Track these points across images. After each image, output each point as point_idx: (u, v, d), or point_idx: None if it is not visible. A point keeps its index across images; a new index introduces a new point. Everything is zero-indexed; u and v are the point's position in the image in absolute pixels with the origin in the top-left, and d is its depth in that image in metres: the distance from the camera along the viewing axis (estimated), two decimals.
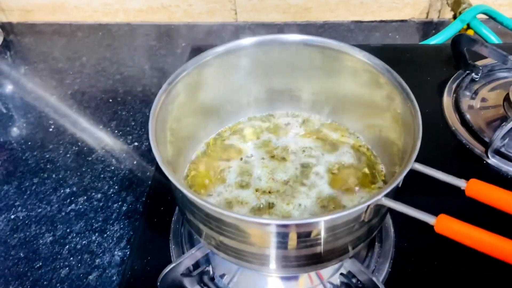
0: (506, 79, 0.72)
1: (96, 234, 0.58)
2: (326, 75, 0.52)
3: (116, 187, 0.64)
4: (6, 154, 0.69)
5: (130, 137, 0.71)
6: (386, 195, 0.37)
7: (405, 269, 0.51)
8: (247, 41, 0.50)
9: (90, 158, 0.68)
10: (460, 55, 0.72)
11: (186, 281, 0.48)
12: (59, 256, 0.56)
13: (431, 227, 0.37)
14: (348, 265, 0.48)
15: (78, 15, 0.95)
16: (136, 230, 0.57)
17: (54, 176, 0.66)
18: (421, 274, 0.50)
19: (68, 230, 0.59)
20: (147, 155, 0.68)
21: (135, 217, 0.60)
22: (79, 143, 0.71)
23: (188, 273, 0.48)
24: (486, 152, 0.61)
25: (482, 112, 0.68)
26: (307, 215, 0.47)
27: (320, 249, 0.40)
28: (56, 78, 0.83)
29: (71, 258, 0.56)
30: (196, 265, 0.50)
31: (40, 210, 0.62)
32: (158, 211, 0.57)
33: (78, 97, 0.79)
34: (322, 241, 0.39)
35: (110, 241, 0.58)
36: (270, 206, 0.48)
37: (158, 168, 0.62)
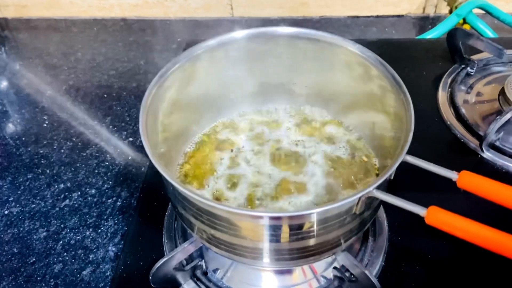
0: (501, 73, 0.72)
1: (90, 230, 0.58)
2: (320, 68, 0.52)
3: (111, 182, 0.64)
4: (0, 150, 0.69)
5: (125, 132, 0.71)
6: (378, 187, 0.37)
7: (399, 263, 0.51)
8: (240, 34, 0.49)
9: (84, 154, 0.68)
10: (455, 49, 0.72)
11: (179, 276, 0.48)
12: (52, 252, 0.56)
13: (424, 221, 0.37)
14: (341, 259, 0.48)
15: (73, 10, 0.95)
16: (129, 225, 0.57)
17: (48, 171, 0.66)
18: (415, 268, 0.50)
19: (62, 225, 0.59)
20: (142, 150, 0.68)
21: (129, 213, 0.60)
22: (74, 139, 0.70)
23: (180, 268, 0.48)
24: (480, 146, 0.60)
25: (477, 106, 0.67)
26: (301, 208, 0.46)
27: (312, 241, 0.40)
28: (51, 74, 0.83)
29: (65, 254, 0.56)
30: (189, 259, 0.50)
31: (34, 205, 0.61)
32: (152, 206, 0.57)
33: (73, 92, 0.79)
34: (314, 233, 0.39)
35: (104, 236, 0.57)
36: (262, 198, 0.48)
37: (152, 163, 0.63)
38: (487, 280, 0.50)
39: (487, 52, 0.70)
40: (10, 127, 0.73)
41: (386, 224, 0.54)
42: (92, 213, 0.60)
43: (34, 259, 0.55)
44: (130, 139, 0.70)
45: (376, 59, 0.46)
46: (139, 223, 0.56)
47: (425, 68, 0.75)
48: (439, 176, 0.40)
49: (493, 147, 0.61)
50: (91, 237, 0.57)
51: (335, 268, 0.49)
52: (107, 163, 0.67)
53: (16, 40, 0.92)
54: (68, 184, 0.64)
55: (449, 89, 0.70)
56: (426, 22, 0.93)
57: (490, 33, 0.83)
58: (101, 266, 0.54)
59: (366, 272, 0.44)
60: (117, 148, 0.69)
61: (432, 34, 0.83)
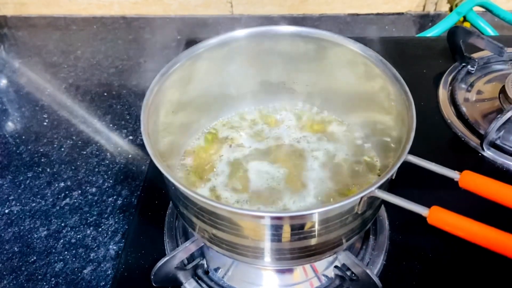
0: (501, 72, 0.72)
1: (91, 228, 0.58)
2: (320, 67, 0.52)
3: (111, 181, 0.64)
4: (0, 148, 0.69)
5: (125, 130, 0.71)
6: (380, 187, 0.37)
7: (400, 262, 0.51)
8: (241, 33, 0.49)
9: (84, 152, 0.68)
10: (456, 47, 0.72)
11: (180, 275, 0.48)
12: (53, 250, 0.56)
13: (425, 220, 0.37)
14: (342, 258, 0.48)
15: (72, 8, 0.94)
16: (130, 224, 0.57)
17: (48, 170, 0.66)
18: (416, 266, 0.50)
19: (62, 224, 0.59)
20: (142, 148, 0.68)
21: (130, 211, 0.60)
22: (74, 137, 0.70)
23: (182, 267, 0.48)
24: (481, 145, 0.61)
25: (477, 104, 0.67)
26: (302, 207, 0.46)
27: (314, 241, 0.40)
28: (51, 72, 0.82)
29: (66, 252, 0.56)
30: (191, 258, 0.50)
31: (34, 204, 0.61)
32: (153, 205, 0.57)
33: (72, 90, 0.79)
34: (316, 233, 0.39)
35: (105, 235, 0.57)
36: (262, 196, 0.48)
37: (152, 161, 0.63)
38: (487, 279, 0.50)
39: (488, 50, 0.70)
40: (10, 126, 0.73)
41: (387, 223, 0.54)
42: (93, 211, 0.60)
43: (34, 258, 0.55)
44: (130, 137, 0.70)
45: (377, 57, 0.46)
46: (140, 222, 0.56)
47: (426, 66, 0.74)
48: (439, 175, 0.40)
49: (493, 145, 0.61)
50: (91, 236, 0.57)
51: (336, 267, 0.49)
52: (107, 162, 0.66)
53: (15, 38, 0.91)
54: (69, 183, 0.64)
55: (450, 88, 0.70)
56: (426, 20, 0.93)
57: (490, 31, 0.83)
58: (102, 265, 0.54)
59: (367, 271, 0.44)
60: (117, 146, 0.69)
61: (432, 32, 0.83)
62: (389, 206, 0.54)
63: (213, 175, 0.50)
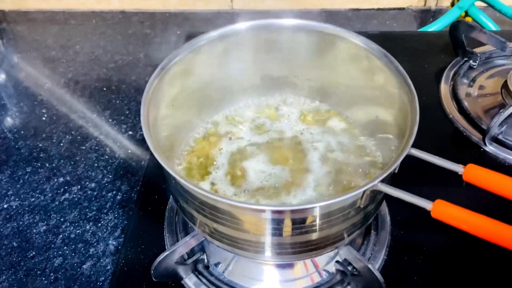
0: (504, 67, 0.71)
1: (90, 224, 0.58)
2: (322, 61, 0.52)
3: (111, 176, 0.63)
4: None
5: (125, 126, 0.71)
6: (382, 181, 0.37)
7: (401, 257, 0.51)
8: (242, 25, 0.49)
9: (84, 147, 0.68)
10: (458, 42, 0.71)
11: (180, 269, 0.47)
12: (52, 246, 0.56)
13: (427, 215, 0.37)
14: (343, 252, 0.47)
15: (71, 2, 0.94)
16: (130, 219, 0.56)
17: (47, 165, 0.65)
18: (417, 262, 0.50)
19: (61, 219, 0.58)
20: (142, 144, 0.68)
21: (129, 207, 0.59)
22: (73, 132, 0.70)
23: (182, 262, 0.48)
24: (483, 140, 0.60)
25: (479, 99, 0.67)
26: (303, 201, 0.46)
27: (315, 235, 0.39)
28: (49, 67, 0.82)
29: (65, 248, 0.55)
30: (191, 253, 0.50)
31: (33, 199, 0.61)
32: (153, 200, 0.57)
33: (71, 85, 0.78)
34: (317, 227, 0.39)
35: (105, 230, 0.57)
36: (263, 190, 0.47)
37: (153, 155, 0.62)
38: (489, 273, 0.49)
39: (490, 45, 0.69)
40: (9, 121, 0.73)
41: (388, 218, 0.53)
42: (92, 207, 0.60)
43: (34, 253, 0.55)
44: (130, 132, 0.70)
45: (380, 51, 0.46)
46: (139, 217, 0.55)
47: (427, 61, 0.74)
48: (441, 170, 0.40)
49: (496, 140, 0.61)
50: (91, 231, 0.57)
51: (337, 262, 0.48)
52: (106, 157, 0.66)
53: (14, 32, 0.91)
54: (68, 178, 0.63)
55: (452, 82, 0.70)
56: (427, 15, 0.92)
57: (492, 26, 0.82)
58: (101, 260, 0.54)
59: (369, 265, 0.44)
60: (116, 141, 0.68)
61: (434, 27, 0.82)
62: (391, 201, 0.54)
63: (213, 168, 0.50)
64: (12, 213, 0.59)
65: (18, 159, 0.66)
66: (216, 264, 0.50)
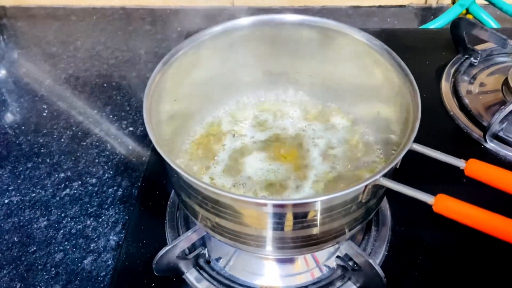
0: (504, 64, 0.71)
1: (91, 219, 0.58)
2: (324, 57, 0.52)
3: (111, 172, 0.63)
4: (0, 139, 0.69)
5: (125, 122, 0.71)
6: (384, 175, 0.37)
7: (402, 252, 0.51)
8: (245, 21, 0.49)
9: (84, 143, 0.68)
10: (459, 39, 0.71)
11: (182, 264, 0.47)
12: (53, 241, 0.56)
13: (428, 212, 0.37)
14: (344, 248, 0.48)
15: None
16: (131, 214, 0.56)
17: (48, 160, 0.65)
18: (418, 257, 0.50)
19: (62, 214, 0.58)
20: (143, 140, 0.68)
21: (130, 202, 0.59)
22: (74, 128, 0.70)
23: (183, 256, 0.48)
24: (484, 137, 0.60)
25: (480, 96, 0.67)
26: (304, 196, 0.46)
27: (316, 230, 0.40)
28: (50, 62, 0.82)
29: (66, 243, 0.55)
30: (192, 248, 0.50)
31: (34, 194, 0.61)
32: (154, 195, 0.57)
33: (72, 81, 0.78)
34: (318, 222, 0.39)
35: (105, 225, 0.57)
36: (264, 185, 0.47)
37: (154, 150, 0.62)
38: (490, 268, 0.50)
39: (491, 42, 0.70)
40: (9, 116, 0.72)
41: (389, 214, 0.53)
42: (93, 202, 0.60)
43: (34, 248, 0.55)
44: (131, 128, 0.70)
45: (382, 47, 0.46)
46: (141, 212, 0.55)
47: (428, 58, 0.74)
48: (442, 166, 0.40)
49: (496, 137, 0.61)
50: (92, 226, 0.57)
51: (338, 257, 0.49)
52: (107, 153, 0.66)
53: (14, 28, 0.91)
54: (69, 173, 0.63)
55: (452, 80, 0.70)
56: (428, 12, 0.92)
57: (493, 24, 0.82)
58: (102, 255, 0.54)
59: (370, 260, 0.44)
60: (117, 137, 0.68)
61: (435, 24, 0.82)
62: (392, 197, 0.54)
63: (213, 164, 0.50)
64: (13, 208, 0.59)
65: (19, 154, 0.66)
66: (217, 259, 0.50)
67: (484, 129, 0.60)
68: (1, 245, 0.55)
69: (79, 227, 0.57)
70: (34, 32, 0.89)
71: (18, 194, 0.61)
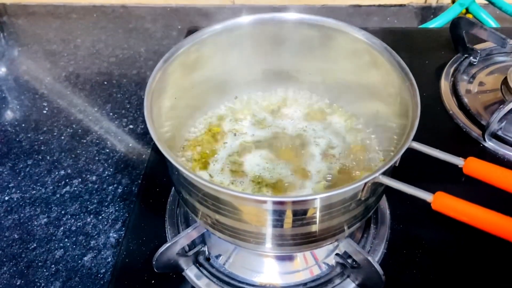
0: (504, 63, 0.72)
1: (91, 216, 0.58)
2: (324, 56, 0.52)
3: (111, 169, 0.64)
4: (0, 136, 0.69)
5: (125, 119, 0.71)
6: (384, 173, 0.37)
7: (400, 250, 0.51)
8: (245, 19, 0.49)
9: (84, 141, 0.68)
10: (458, 38, 0.72)
11: (182, 261, 0.48)
12: (53, 238, 0.56)
13: (426, 210, 0.37)
14: (343, 245, 0.48)
15: None
16: (131, 211, 0.57)
17: (48, 158, 0.65)
18: (416, 255, 0.50)
19: (62, 212, 0.59)
20: (143, 138, 0.68)
21: (130, 200, 0.59)
22: (74, 126, 0.70)
23: (183, 253, 0.48)
24: (483, 136, 0.60)
25: (479, 96, 0.67)
26: (304, 193, 0.46)
27: (316, 227, 0.40)
28: (50, 60, 0.82)
29: (66, 240, 0.56)
30: (192, 245, 0.50)
31: (34, 191, 0.61)
32: (154, 192, 0.57)
33: (72, 79, 0.78)
34: (318, 219, 0.39)
35: (105, 223, 0.57)
36: (264, 183, 0.47)
37: (155, 148, 0.62)
38: (488, 266, 0.50)
39: (491, 42, 0.70)
40: (9, 114, 0.73)
41: (388, 212, 0.54)
42: (93, 199, 0.60)
43: (35, 245, 0.55)
44: (131, 126, 0.70)
45: (382, 45, 0.46)
46: (141, 210, 0.56)
47: (428, 57, 0.74)
48: (440, 164, 0.40)
49: (495, 136, 0.61)
50: (92, 224, 0.57)
51: (337, 254, 0.49)
52: (107, 150, 0.66)
53: (14, 26, 0.91)
54: (69, 171, 0.63)
55: (452, 79, 0.70)
56: (428, 12, 0.92)
57: (492, 23, 0.83)
58: (102, 252, 0.54)
59: (369, 258, 0.44)
60: (117, 135, 0.68)
61: (435, 23, 0.83)
62: (391, 196, 0.54)
63: (213, 161, 0.50)
64: (13, 205, 0.60)
65: (19, 151, 0.66)
66: (217, 256, 0.50)
67: (483, 128, 0.60)
68: (2, 242, 0.56)
69: (79, 224, 0.57)
70: (34, 30, 0.89)
71: (18, 191, 0.61)
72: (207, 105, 0.54)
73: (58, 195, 0.61)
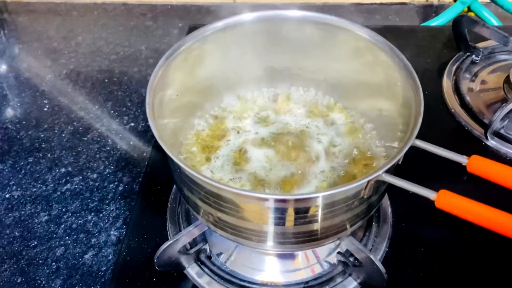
0: (506, 62, 0.72)
1: (92, 214, 0.58)
2: (326, 53, 0.52)
3: (112, 167, 0.63)
4: (1, 133, 0.68)
5: (126, 117, 0.71)
6: (387, 171, 0.37)
7: (402, 249, 0.51)
8: (247, 16, 0.49)
9: (85, 138, 0.68)
10: (461, 36, 0.71)
11: (183, 259, 0.48)
12: (54, 235, 0.56)
13: (428, 209, 0.37)
14: (345, 243, 0.48)
15: None
16: (132, 209, 0.57)
17: (49, 155, 0.65)
18: (418, 254, 0.50)
19: (63, 209, 0.59)
20: (144, 135, 0.68)
21: (131, 197, 0.59)
22: (75, 123, 0.70)
23: (185, 251, 0.48)
24: (485, 134, 0.60)
25: (481, 94, 0.67)
26: (306, 191, 0.46)
27: (318, 225, 0.40)
28: (51, 58, 0.82)
29: (67, 238, 0.56)
30: (193, 243, 0.50)
31: (35, 189, 0.61)
32: (155, 190, 0.57)
33: (73, 76, 0.78)
34: (320, 217, 0.39)
35: (106, 221, 0.57)
36: (265, 181, 0.47)
37: (156, 146, 0.62)
38: (490, 265, 0.50)
39: (493, 40, 0.69)
40: (10, 111, 0.72)
41: (390, 210, 0.54)
42: (94, 197, 0.60)
43: (35, 243, 0.55)
44: (132, 124, 0.70)
45: (385, 43, 0.46)
46: (142, 207, 0.55)
47: (430, 55, 0.74)
48: (444, 163, 0.40)
49: (497, 135, 0.61)
50: (93, 221, 0.57)
51: (339, 253, 0.49)
52: (108, 148, 0.66)
53: (15, 23, 0.90)
54: (70, 169, 0.63)
55: (454, 77, 0.70)
56: (429, 10, 0.92)
57: (494, 22, 0.82)
58: (103, 250, 0.54)
59: (371, 256, 0.44)
60: (118, 133, 0.68)
61: (436, 21, 0.82)
62: (393, 194, 0.54)
63: (215, 158, 0.50)
64: (14, 203, 0.59)
65: (20, 149, 0.66)
66: (218, 254, 0.50)
67: (486, 127, 0.60)
68: (2, 239, 0.55)
69: (80, 222, 0.57)
70: (35, 27, 0.89)
71: (19, 189, 0.61)
72: (209, 102, 0.54)
73: (59, 193, 0.60)
